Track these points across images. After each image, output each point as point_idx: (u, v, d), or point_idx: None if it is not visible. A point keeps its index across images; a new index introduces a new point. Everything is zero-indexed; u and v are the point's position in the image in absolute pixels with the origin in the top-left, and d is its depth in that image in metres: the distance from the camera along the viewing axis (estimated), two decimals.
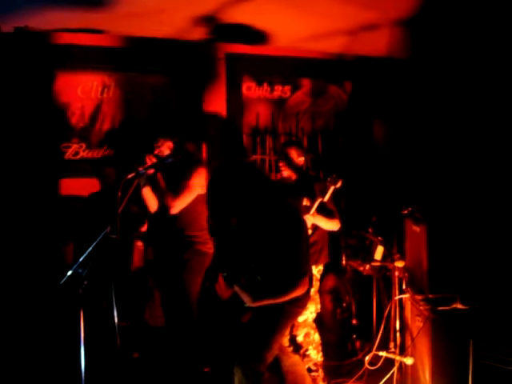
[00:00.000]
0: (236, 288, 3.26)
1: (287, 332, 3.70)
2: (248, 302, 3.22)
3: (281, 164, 4.49)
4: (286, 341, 3.85)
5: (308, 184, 4.38)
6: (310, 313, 4.22)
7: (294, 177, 4.48)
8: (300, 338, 4.16)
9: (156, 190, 4.29)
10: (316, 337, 4.25)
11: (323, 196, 4.19)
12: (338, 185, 4.19)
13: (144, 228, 5.37)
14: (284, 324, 3.38)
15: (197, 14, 5.42)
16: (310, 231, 4.07)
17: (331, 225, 4.31)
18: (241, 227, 3.48)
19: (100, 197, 5.35)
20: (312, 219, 4.15)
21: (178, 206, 4.13)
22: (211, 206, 3.35)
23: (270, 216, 3.33)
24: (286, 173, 4.48)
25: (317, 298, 4.32)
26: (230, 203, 3.28)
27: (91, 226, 4.93)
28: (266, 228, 3.31)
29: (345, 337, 5.16)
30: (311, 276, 3.56)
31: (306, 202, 4.25)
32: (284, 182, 4.54)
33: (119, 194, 3.67)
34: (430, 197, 4.76)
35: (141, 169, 4.00)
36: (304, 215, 4.02)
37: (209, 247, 4.24)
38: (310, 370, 4.11)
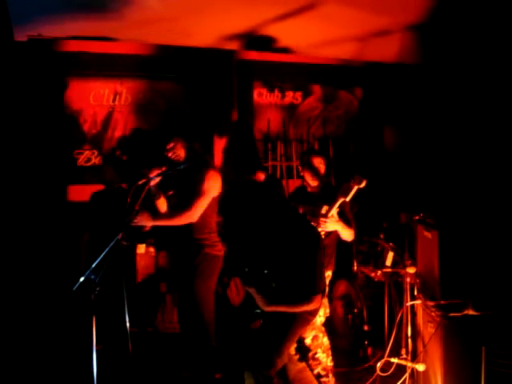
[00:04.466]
0: (252, 290, 3.29)
1: (296, 339, 3.70)
2: (262, 305, 3.27)
3: (303, 172, 4.46)
4: (292, 349, 3.83)
5: (329, 192, 4.33)
6: (318, 316, 4.18)
7: (316, 184, 4.45)
8: (308, 341, 4.12)
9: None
10: (325, 340, 4.20)
11: (345, 196, 4.07)
12: (362, 185, 4.03)
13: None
14: (295, 330, 3.42)
15: (208, 22, 5.46)
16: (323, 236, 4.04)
17: (348, 233, 4.23)
18: (258, 241, 3.50)
19: (104, 196, 5.27)
20: (333, 223, 4.09)
21: (196, 213, 4.06)
22: (226, 223, 3.37)
23: (288, 234, 3.36)
24: (309, 180, 4.46)
25: (325, 301, 4.28)
26: (247, 222, 3.31)
27: (101, 227, 4.97)
28: (285, 245, 3.34)
29: (356, 343, 5.14)
30: (324, 291, 3.56)
31: (324, 210, 4.18)
32: (306, 190, 4.53)
33: (129, 200, 3.67)
34: (442, 202, 4.74)
35: (151, 175, 3.98)
36: (325, 217, 4.02)
37: (218, 249, 4.21)
38: (319, 376, 4.07)
